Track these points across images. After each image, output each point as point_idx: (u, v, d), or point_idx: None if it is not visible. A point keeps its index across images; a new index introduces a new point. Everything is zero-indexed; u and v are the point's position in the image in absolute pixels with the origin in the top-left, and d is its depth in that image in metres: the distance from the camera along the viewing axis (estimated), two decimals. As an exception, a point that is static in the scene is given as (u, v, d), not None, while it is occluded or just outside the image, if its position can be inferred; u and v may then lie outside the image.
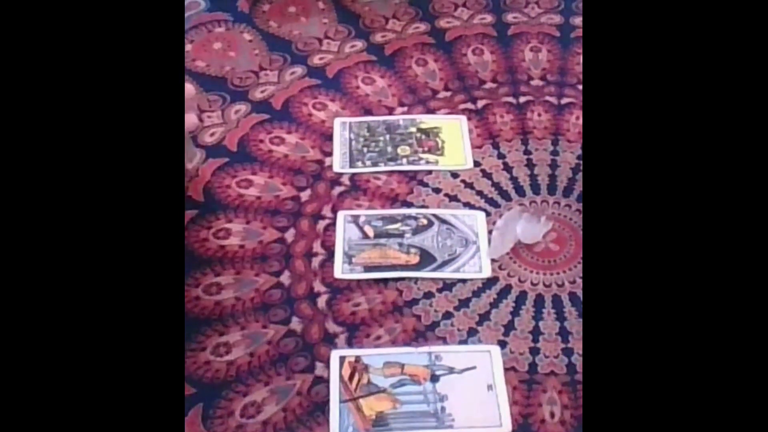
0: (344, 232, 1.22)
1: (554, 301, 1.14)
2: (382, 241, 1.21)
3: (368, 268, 1.17)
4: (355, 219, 1.24)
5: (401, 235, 1.21)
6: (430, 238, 1.21)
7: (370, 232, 1.22)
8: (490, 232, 1.21)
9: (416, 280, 1.16)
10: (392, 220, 1.24)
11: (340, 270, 1.17)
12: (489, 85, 1.46)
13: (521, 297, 1.15)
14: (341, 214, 1.25)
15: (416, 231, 1.22)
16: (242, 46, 1.54)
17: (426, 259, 1.19)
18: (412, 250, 1.19)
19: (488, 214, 1.25)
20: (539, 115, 1.40)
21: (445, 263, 1.18)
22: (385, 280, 1.16)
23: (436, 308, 1.13)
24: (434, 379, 1.05)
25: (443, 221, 1.24)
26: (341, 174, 1.31)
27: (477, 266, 1.18)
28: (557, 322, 1.12)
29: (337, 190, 1.29)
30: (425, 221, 1.23)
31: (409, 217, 1.24)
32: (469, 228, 1.23)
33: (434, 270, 1.17)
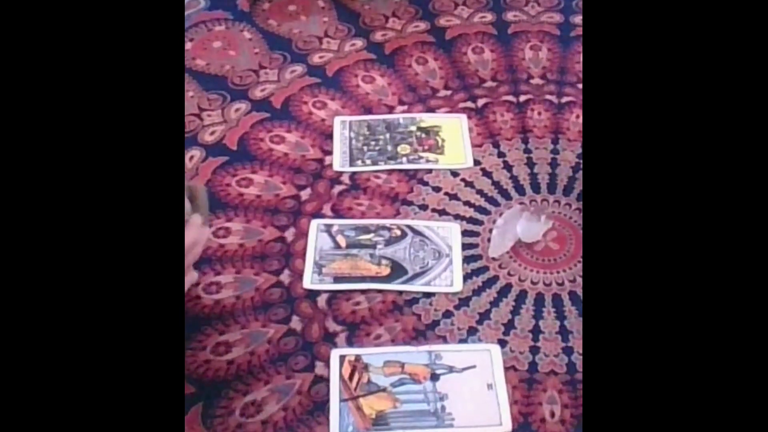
0: (316, 241, 1.20)
1: (554, 300, 1.14)
2: (354, 251, 1.18)
3: (338, 279, 1.15)
4: (328, 228, 1.22)
5: (374, 246, 1.19)
6: (402, 249, 1.18)
7: (342, 242, 1.19)
8: (490, 231, 1.21)
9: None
10: (365, 230, 1.21)
11: (309, 280, 1.15)
12: (489, 83, 1.46)
13: (521, 296, 1.15)
14: (314, 223, 1.23)
15: (389, 242, 1.19)
16: (242, 44, 1.54)
17: (397, 271, 1.16)
18: (384, 262, 1.17)
19: (488, 213, 1.25)
20: (539, 113, 1.40)
21: (416, 276, 1.16)
22: (385, 279, 1.16)
23: (436, 307, 1.13)
24: (434, 378, 1.05)
25: (417, 233, 1.21)
26: (341, 173, 1.31)
27: (448, 280, 1.15)
28: (557, 320, 1.12)
29: (337, 188, 1.29)
30: (399, 232, 1.21)
31: (383, 227, 1.21)
32: (442, 240, 1.20)
33: (404, 282, 1.15)
